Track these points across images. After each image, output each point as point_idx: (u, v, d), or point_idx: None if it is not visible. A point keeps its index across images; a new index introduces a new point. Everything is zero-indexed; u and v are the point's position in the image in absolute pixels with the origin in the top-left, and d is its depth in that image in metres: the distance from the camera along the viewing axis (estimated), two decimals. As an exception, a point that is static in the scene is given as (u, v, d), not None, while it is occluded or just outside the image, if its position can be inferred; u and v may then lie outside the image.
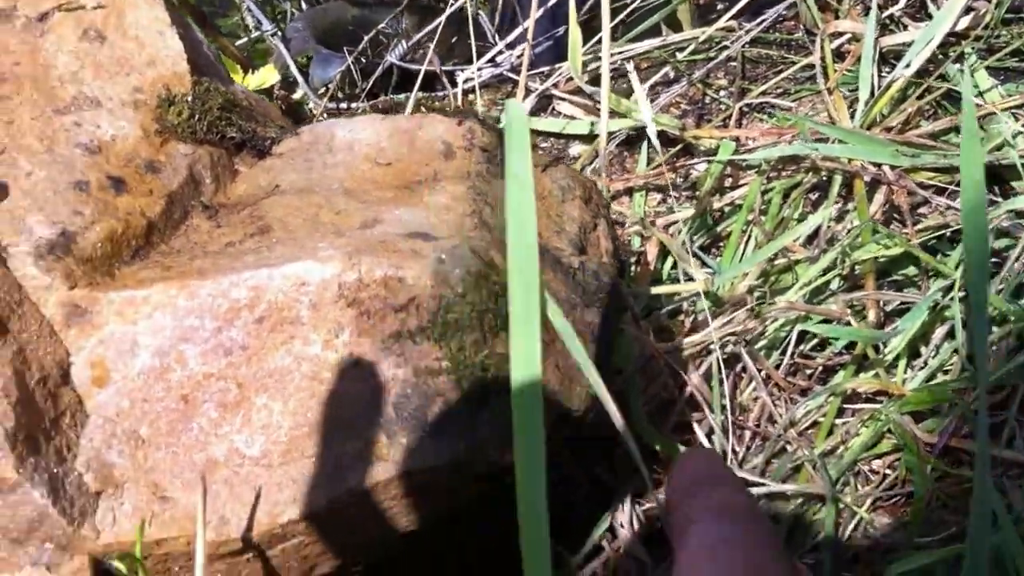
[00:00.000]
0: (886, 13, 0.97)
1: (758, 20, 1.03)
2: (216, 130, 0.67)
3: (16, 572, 0.50)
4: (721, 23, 1.04)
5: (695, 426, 0.79)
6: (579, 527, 0.75)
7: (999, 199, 0.85)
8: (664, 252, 0.89)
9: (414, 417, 0.53)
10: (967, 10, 0.92)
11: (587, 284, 0.65)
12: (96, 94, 0.64)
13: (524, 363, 0.42)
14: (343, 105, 1.06)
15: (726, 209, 0.92)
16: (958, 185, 0.85)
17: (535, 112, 1.02)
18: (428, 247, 0.57)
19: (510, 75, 1.06)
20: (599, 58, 1.01)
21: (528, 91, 1.02)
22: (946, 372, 0.78)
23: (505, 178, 0.49)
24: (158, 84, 0.66)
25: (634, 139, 0.98)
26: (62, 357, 0.53)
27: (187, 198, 0.63)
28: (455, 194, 0.63)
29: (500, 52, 1.07)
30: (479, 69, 1.05)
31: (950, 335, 0.79)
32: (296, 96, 1.07)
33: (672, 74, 1.03)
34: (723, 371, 0.78)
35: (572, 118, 1.00)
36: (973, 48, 0.93)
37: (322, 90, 1.10)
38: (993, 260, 0.82)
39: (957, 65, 0.92)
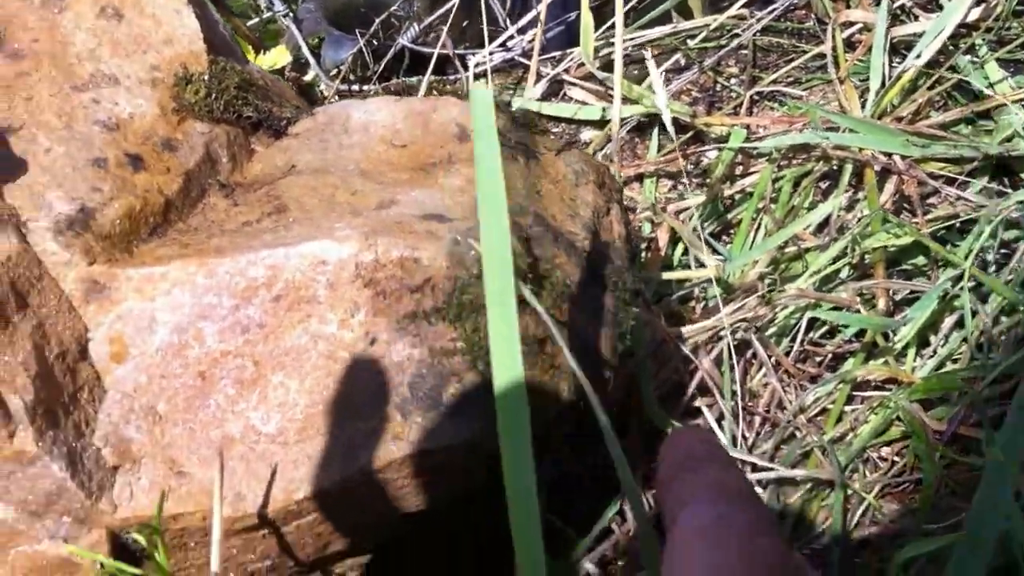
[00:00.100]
0: (897, 3, 0.97)
1: (769, 8, 1.03)
2: (232, 109, 0.67)
3: (35, 545, 0.50)
4: (732, 11, 1.04)
5: (705, 411, 0.79)
6: (588, 508, 0.75)
7: (1009, 190, 0.85)
8: (675, 238, 0.89)
9: (429, 397, 0.53)
10: (978, 1, 0.92)
11: (600, 268, 0.65)
12: (114, 71, 0.64)
13: (503, 341, 0.43)
14: (355, 87, 1.06)
15: (737, 196, 0.92)
16: (968, 176, 0.85)
17: (546, 97, 1.02)
18: (443, 228, 0.57)
19: (521, 60, 1.06)
20: (610, 44, 1.01)
21: (539, 76, 1.02)
22: (955, 361, 0.79)
23: (475, 164, 0.49)
24: (175, 62, 0.66)
25: (645, 125, 0.98)
26: (81, 332, 0.53)
27: (204, 176, 0.63)
28: (470, 176, 0.63)
29: (512, 36, 1.07)
30: (491, 53, 1.05)
31: (959, 324, 0.80)
32: (307, 78, 1.07)
33: (683, 61, 1.03)
34: (734, 357, 0.79)
35: (583, 103, 1.00)
36: (984, 39, 0.93)
37: (334, 72, 1.10)
38: (1002, 251, 0.82)
39: (968, 56, 0.93)
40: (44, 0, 0.65)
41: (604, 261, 0.66)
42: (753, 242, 0.88)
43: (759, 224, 0.89)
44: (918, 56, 0.90)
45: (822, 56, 0.97)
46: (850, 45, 0.97)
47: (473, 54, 1.07)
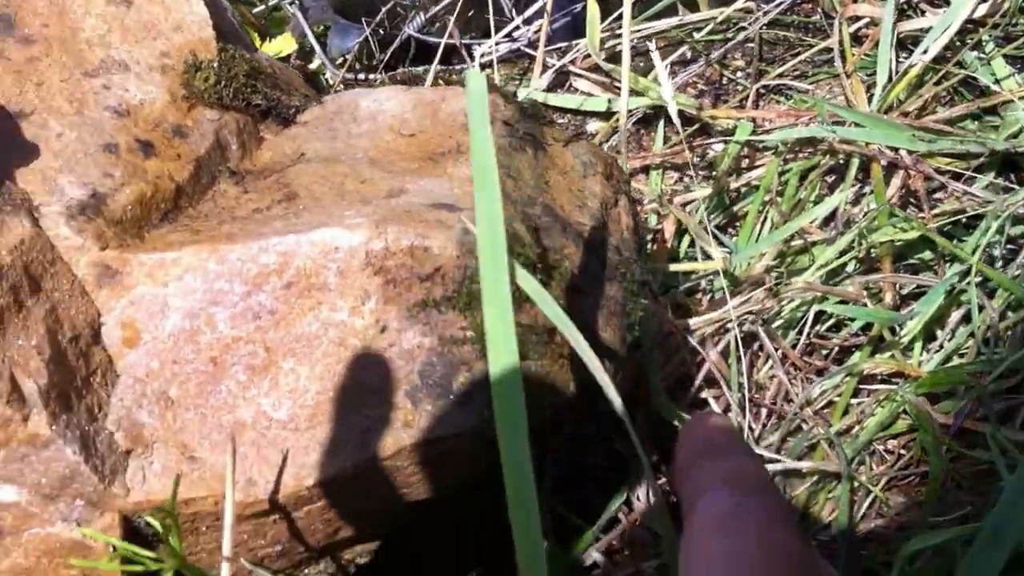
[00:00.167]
0: (904, -2, 0.97)
1: (776, 2, 1.03)
2: (242, 97, 0.67)
3: (48, 527, 0.50)
4: (739, 4, 1.04)
5: (712, 403, 0.79)
6: (596, 499, 0.75)
7: (1015, 186, 0.85)
8: (681, 230, 0.90)
9: (439, 385, 0.53)
10: (984, -3, 0.93)
11: (609, 259, 0.65)
12: (124, 58, 0.64)
13: (498, 330, 0.43)
14: (360, 76, 1.06)
15: (743, 189, 0.92)
16: (975, 171, 0.85)
17: (552, 88, 1.02)
18: (453, 218, 0.57)
19: (527, 50, 1.06)
20: (616, 35, 1.01)
21: (545, 67, 1.02)
22: (962, 355, 0.79)
23: (471, 150, 0.49)
24: (185, 49, 0.66)
25: (651, 117, 0.98)
26: (93, 317, 0.53)
27: (214, 163, 0.63)
28: (479, 166, 0.63)
29: (517, 27, 1.06)
30: (496, 44, 1.05)
31: (966, 319, 0.80)
32: (313, 66, 1.07)
33: (689, 54, 1.03)
34: (740, 349, 0.79)
35: (589, 95, 1.00)
36: (991, 36, 0.93)
37: (339, 60, 1.10)
38: (1009, 247, 0.83)
39: (974, 52, 0.93)
40: (54, -15, 0.65)
41: (612, 252, 0.66)
42: (759, 235, 0.88)
43: (765, 217, 0.89)
44: (925, 51, 0.90)
45: (829, 50, 0.97)
46: (857, 39, 0.98)
47: (479, 44, 1.07)
